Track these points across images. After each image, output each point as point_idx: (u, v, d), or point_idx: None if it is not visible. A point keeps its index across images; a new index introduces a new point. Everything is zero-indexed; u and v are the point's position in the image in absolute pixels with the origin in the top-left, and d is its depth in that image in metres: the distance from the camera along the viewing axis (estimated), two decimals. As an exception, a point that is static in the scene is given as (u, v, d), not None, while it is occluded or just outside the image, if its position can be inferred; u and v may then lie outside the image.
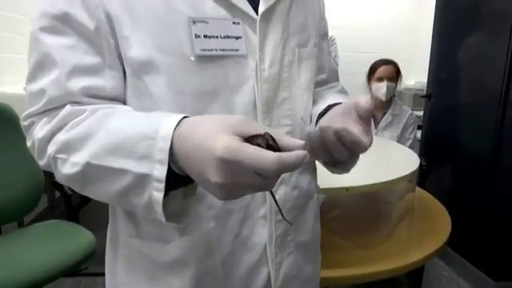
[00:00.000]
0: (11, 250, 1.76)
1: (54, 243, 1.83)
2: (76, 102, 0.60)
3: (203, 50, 0.61)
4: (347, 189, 1.28)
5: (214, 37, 0.62)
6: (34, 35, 0.60)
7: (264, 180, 0.46)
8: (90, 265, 1.84)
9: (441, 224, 1.71)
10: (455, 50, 2.76)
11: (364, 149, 0.62)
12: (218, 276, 0.68)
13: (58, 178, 0.61)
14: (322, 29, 0.84)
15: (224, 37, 0.63)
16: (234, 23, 0.64)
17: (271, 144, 0.47)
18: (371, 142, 0.62)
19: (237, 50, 0.64)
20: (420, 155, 3.02)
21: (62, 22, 0.59)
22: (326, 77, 0.89)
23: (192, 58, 0.61)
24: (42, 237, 1.90)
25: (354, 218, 1.67)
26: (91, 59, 0.61)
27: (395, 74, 2.70)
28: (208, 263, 0.67)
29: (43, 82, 0.59)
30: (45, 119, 0.60)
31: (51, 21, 0.59)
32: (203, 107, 0.63)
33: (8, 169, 1.94)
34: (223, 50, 0.63)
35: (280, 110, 0.70)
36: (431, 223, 1.74)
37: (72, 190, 1.98)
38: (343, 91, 0.91)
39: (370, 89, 2.75)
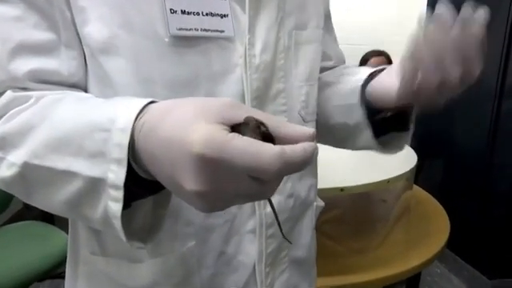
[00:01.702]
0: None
1: (27, 246, 1.76)
2: (22, 89, 0.48)
3: (180, 29, 0.50)
4: (342, 189, 1.19)
5: (194, 13, 0.51)
6: None
7: (261, 185, 0.34)
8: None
9: (439, 225, 1.66)
10: None
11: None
12: None
13: None
14: (325, 9, 0.72)
15: (206, 14, 0.52)
16: None
17: (266, 133, 0.34)
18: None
19: (222, 31, 0.53)
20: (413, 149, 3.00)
21: None
22: (333, 64, 0.79)
23: (166, 39, 0.50)
24: (14, 239, 1.83)
25: (348, 220, 1.60)
26: (42, 35, 0.48)
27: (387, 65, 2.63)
28: None
29: None
30: None
31: None
32: None
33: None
34: (205, 30, 0.52)
35: (273, 105, 0.59)
36: (429, 224, 1.69)
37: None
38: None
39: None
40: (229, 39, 0.54)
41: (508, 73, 2.20)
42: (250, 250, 0.60)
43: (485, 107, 2.32)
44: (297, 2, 0.62)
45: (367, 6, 4.83)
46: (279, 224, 0.49)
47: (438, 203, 1.89)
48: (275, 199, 0.60)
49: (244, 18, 0.55)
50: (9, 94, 0.47)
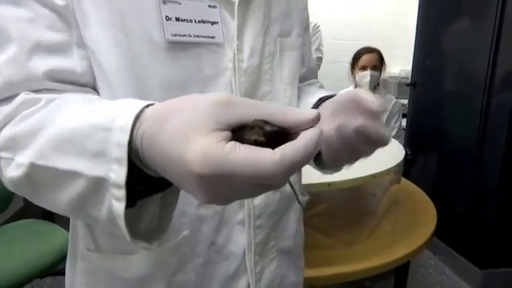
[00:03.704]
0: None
1: (28, 244, 1.77)
2: (38, 90, 0.49)
3: (175, 35, 0.53)
4: (329, 184, 1.22)
5: (187, 20, 0.54)
6: None
7: (267, 188, 0.35)
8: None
9: (426, 217, 1.70)
10: (440, 38, 2.75)
11: (386, 142, 0.53)
12: None
13: (6, 184, 0.49)
14: (305, 20, 0.76)
15: (199, 21, 0.55)
16: (210, 6, 0.56)
17: (269, 132, 0.33)
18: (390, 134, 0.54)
19: (213, 37, 0.57)
20: (405, 144, 3.03)
21: None
22: (305, 72, 0.81)
23: (161, 44, 0.53)
24: (16, 237, 1.84)
25: (337, 213, 1.64)
26: (56, 35, 0.50)
27: (379, 63, 2.68)
28: (180, 278, 0.61)
29: None
30: None
31: None
32: None
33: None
34: (197, 36, 0.55)
35: None
36: (416, 216, 1.72)
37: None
38: (323, 88, 0.85)
39: (354, 78, 2.73)
40: (219, 45, 0.58)
41: (496, 70, 2.23)
42: (239, 239, 0.64)
43: (475, 101, 2.35)
44: (282, 11, 0.66)
45: (360, 2, 4.79)
46: (296, 194, 0.53)
47: (426, 196, 1.92)
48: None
49: (233, 25, 0.58)
50: (22, 96, 0.48)
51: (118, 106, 0.42)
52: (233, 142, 0.32)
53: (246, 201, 0.63)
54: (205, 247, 0.62)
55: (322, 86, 0.85)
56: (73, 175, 0.42)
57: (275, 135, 0.33)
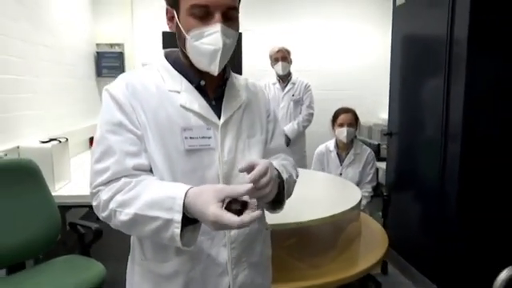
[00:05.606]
0: (34, 283, 2.01)
1: (69, 276, 2.10)
2: (129, 175, 0.93)
3: (190, 145, 0.98)
4: (297, 223, 1.61)
5: (195, 137, 0.99)
6: (102, 135, 0.95)
7: (238, 227, 0.81)
8: (102, 290, 2.07)
9: (380, 243, 2.08)
10: (407, 95, 3.17)
11: (262, 189, 0.89)
12: (198, 283, 1.03)
13: (114, 225, 0.94)
14: (268, 117, 1.18)
15: (201, 137, 0.99)
16: (207, 129, 1.00)
17: (239, 205, 0.83)
18: (265, 184, 0.89)
19: (208, 145, 1.00)
20: (385, 185, 3.40)
21: (119, 127, 0.95)
22: (270, 150, 1.18)
23: (182, 151, 0.97)
24: (59, 270, 2.16)
25: (309, 244, 1.99)
26: (136, 147, 0.95)
27: (354, 121, 3.13)
28: (192, 274, 1.01)
29: (107, 162, 0.93)
30: (108, 188, 0.92)
31: (112, 126, 0.95)
32: (187, 180, 0.95)
33: (29, 213, 2.19)
34: (201, 145, 0.99)
35: (235, 180, 1.03)
36: (373, 243, 2.10)
37: (84, 229, 2.32)
38: (287, 158, 1.21)
39: (334, 132, 3.18)
40: (212, 148, 1.00)
41: (449, 126, 2.63)
42: (223, 255, 1.05)
43: (435, 147, 2.73)
44: (249, 124, 1.11)
45: (349, 53, 5.15)
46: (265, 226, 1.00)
47: (382, 228, 2.30)
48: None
49: (219, 137, 1.03)
50: (123, 180, 0.92)
51: (177, 187, 0.88)
52: (224, 210, 0.81)
53: (226, 233, 1.03)
54: (204, 258, 1.02)
55: (285, 158, 1.21)
56: (156, 218, 0.88)
57: (241, 205, 0.85)
